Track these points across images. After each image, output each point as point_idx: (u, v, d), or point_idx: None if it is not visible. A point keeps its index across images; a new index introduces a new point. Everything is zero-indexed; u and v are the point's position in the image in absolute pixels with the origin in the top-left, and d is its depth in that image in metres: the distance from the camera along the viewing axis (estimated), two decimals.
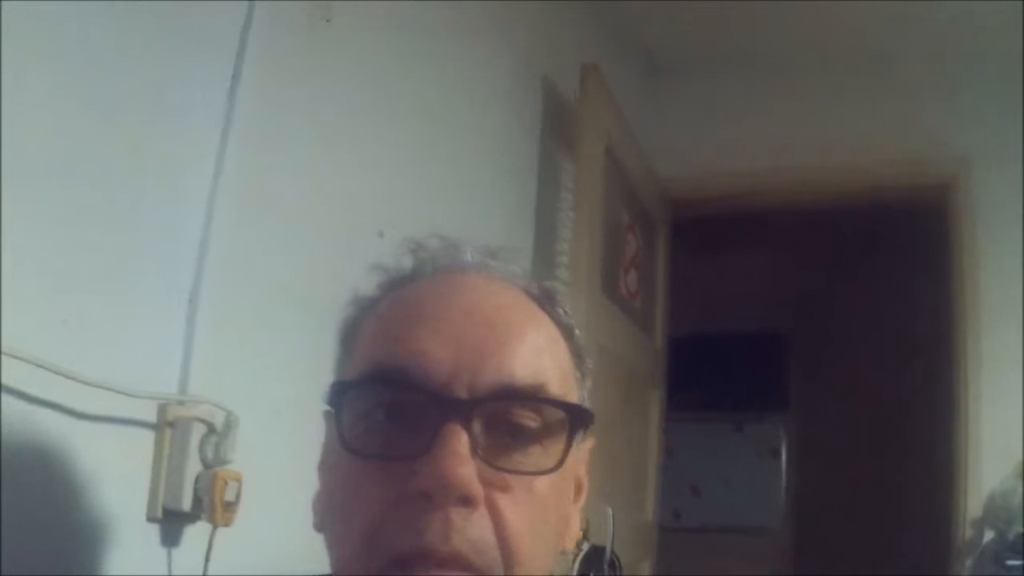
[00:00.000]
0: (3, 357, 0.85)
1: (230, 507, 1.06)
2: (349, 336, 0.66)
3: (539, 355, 0.61)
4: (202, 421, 1.07)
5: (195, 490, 1.05)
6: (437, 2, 1.71)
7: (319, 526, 0.63)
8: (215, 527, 1.05)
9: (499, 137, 2.03)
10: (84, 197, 0.98)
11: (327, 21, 1.38)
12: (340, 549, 0.59)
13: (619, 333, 2.34)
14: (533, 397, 0.59)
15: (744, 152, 2.89)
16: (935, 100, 2.78)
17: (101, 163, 1.00)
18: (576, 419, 0.61)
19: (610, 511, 1.95)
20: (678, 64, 2.97)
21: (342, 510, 0.58)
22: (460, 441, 0.55)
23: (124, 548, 0.99)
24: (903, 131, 2.77)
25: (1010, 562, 2.36)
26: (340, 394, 0.60)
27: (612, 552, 1.96)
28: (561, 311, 0.66)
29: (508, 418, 0.58)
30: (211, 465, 1.06)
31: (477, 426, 0.57)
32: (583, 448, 0.67)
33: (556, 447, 0.59)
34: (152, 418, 1.05)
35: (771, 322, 4.36)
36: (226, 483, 1.05)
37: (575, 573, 1.85)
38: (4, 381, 0.86)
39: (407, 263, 0.66)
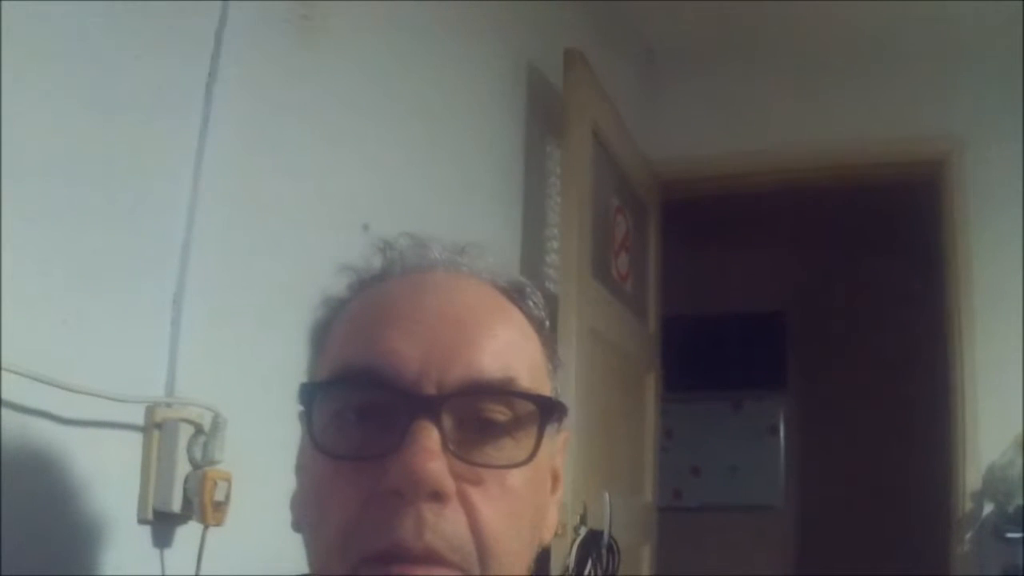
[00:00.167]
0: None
1: (220, 507, 1.06)
2: (320, 337, 0.66)
3: (508, 349, 0.61)
4: (190, 422, 1.07)
5: (185, 491, 1.05)
6: None
7: (296, 526, 0.63)
8: (206, 527, 1.06)
9: (487, 126, 2.03)
10: (83, 197, 0.99)
11: (305, 17, 1.37)
12: (316, 549, 0.59)
13: (612, 317, 2.34)
14: (502, 391, 0.59)
15: (738, 132, 2.89)
16: (929, 79, 2.78)
17: (97, 163, 1.00)
18: (547, 411, 0.61)
19: (607, 496, 1.96)
20: (673, 48, 2.96)
21: (317, 510, 0.58)
22: (430, 437, 0.55)
23: (117, 550, 1.00)
24: (897, 109, 2.77)
25: (1010, 534, 2.37)
26: (311, 395, 0.60)
27: (610, 536, 1.96)
28: (531, 304, 0.67)
29: (478, 413, 0.59)
30: (200, 466, 1.06)
31: (448, 422, 0.57)
32: (557, 440, 0.67)
33: (528, 440, 0.60)
34: (140, 420, 1.05)
35: (768, 301, 4.37)
36: (215, 483, 1.05)
37: (573, 558, 1.85)
38: None
39: (376, 263, 0.67)
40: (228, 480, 1.07)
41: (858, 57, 2.83)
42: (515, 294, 0.66)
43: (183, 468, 1.06)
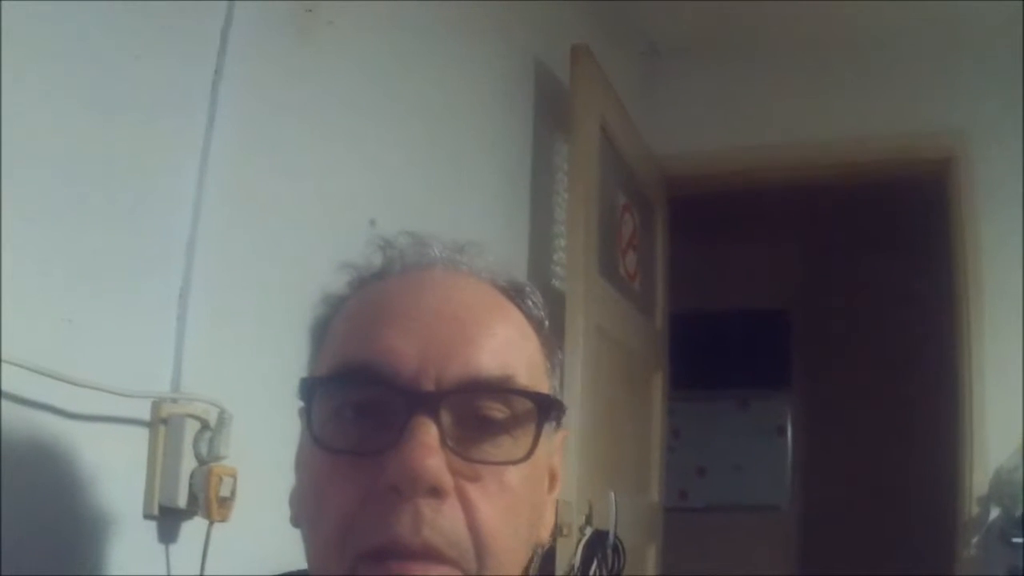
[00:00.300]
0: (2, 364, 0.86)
1: (226, 503, 1.07)
2: (320, 334, 0.66)
3: (506, 347, 0.61)
4: (195, 418, 1.08)
5: (190, 486, 1.06)
6: None
7: (295, 521, 0.64)
8: (211, 523, 1.06)
9: (490, 125, 2.04)
10: (85, 196, 0.99)
11: (308, 11, 1.38)
12: (314, 544, 0.59)
13: (618, 315, 2.34)
14: (500, 388, 0.59)
15: (743, 129, 2.89)
16: (932, 75, 2.77)
17: (98, 162, 1.01)
18: (545, 409, 0.61)
19: (613, 495, 1.96)
20: (677, 45, 2.96)
21: (315, 506, 0.59)
22: (428, 433, 0.56)
23: (123, 546, 1.01)
24: (902, 106, 2.76)
25: (1016, 539, 2.35)
26: (310, 390, 0.61)
27: (615, 536, 1.96)
28: (530, 304, 0.67)
29: (477, 410, 0.59)
30: (205, 461, 1.07)
31: (446, 418, 0.57)
32: (555, 439, 0.67)
33: (526, 437, 0.60)
34: (146, 416, 1.06)
35: (774, 299, 4.35)
36: (221, 479, 1.06)
37: (578, 558, 1.85)
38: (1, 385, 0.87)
39: (376, 260, 0.67)
40: (233, 476, 1.08)
41: (862, 54, 2.82)
42: (514, 293, 0.66)
43: (189, 464, 1.06)
